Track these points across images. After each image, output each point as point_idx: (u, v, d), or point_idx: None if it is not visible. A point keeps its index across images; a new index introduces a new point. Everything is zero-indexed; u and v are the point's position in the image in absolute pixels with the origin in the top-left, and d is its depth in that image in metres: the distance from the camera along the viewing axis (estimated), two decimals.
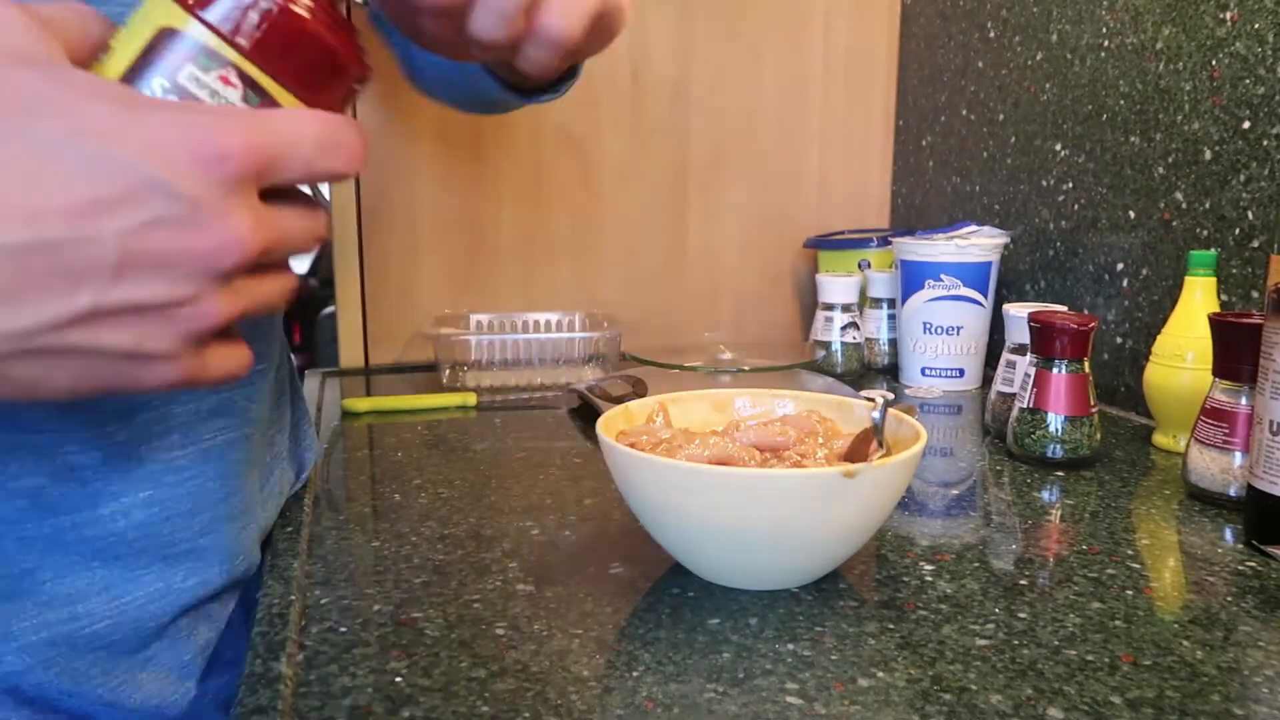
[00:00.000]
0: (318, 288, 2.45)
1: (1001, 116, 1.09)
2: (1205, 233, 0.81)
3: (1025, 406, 0.72)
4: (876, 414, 0.50)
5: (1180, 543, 0.58)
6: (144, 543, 0.48)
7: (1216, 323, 0.63)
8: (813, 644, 0.44)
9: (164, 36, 0.33)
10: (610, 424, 0.55)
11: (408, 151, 1.16)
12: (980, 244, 0.98)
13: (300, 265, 2.45)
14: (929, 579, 0.52)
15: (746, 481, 0.45)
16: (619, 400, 0.84)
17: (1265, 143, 0.75)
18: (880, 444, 0.50)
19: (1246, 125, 0.77)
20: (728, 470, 0.46)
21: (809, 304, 1.31)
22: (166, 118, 0.30)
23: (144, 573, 0.48)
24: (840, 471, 0.45)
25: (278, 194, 0.34)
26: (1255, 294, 0.77)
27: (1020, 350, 0.81)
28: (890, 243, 1.06)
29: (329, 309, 2.04)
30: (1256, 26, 0.75)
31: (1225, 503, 0.63)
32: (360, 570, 0.52)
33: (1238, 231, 0.78)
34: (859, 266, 1.19)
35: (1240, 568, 0.53)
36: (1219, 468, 0.62)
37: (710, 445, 0.52)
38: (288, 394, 0.64)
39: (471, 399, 0.93)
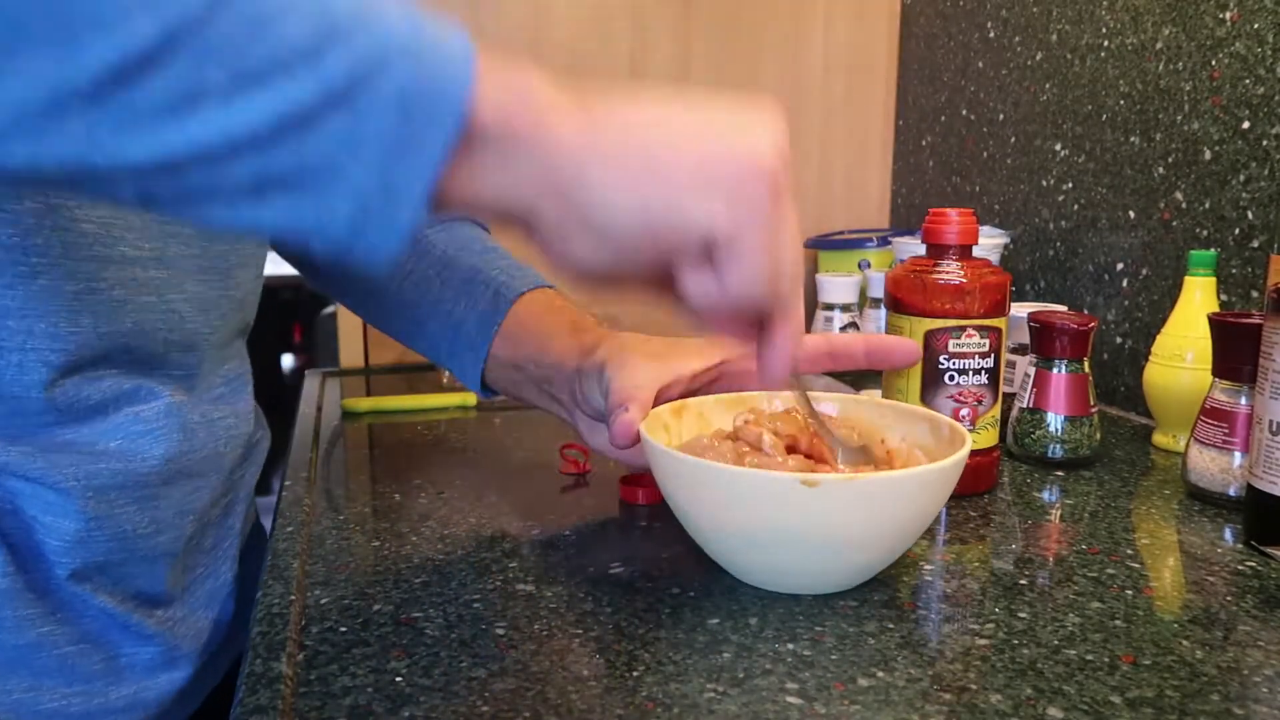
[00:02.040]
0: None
1: (1001, 116, 1.09)
2: (1205, 233, 0.82)
3: (1025, 406, 0.72)
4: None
5: (1180, 543, 0.58)
6: None
7: (1216, 323, 0.63)
8: (813, 644, 0.44)
9: None
10: (652, 428, 0.53)
11: None
12: (980, 244, 0.98)
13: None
14: (929, 579, 0.52)
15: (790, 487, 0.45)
16: None
17: (1265, 143, 0.75)
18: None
19: (1246, 125, 0.77)
20: (775, 475, 0.45)
21: (809, 304, 1.31)
22: None
23: None
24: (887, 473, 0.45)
25: None
26: (1255, 294, 0.77)
27: (1020, 350, 0.81)
28: (890, 243, 1.06)
29: (329, 309, 2.04)
30: (1256, 26, 0.75)
31: (1225, 503, 0.63)
32: (360, 570, 0.52)
33: (1238, 231, 0.78)
34: (859, 266, 1.19)
35: (1240, 568, 0.53)
36: (1219, 468, 0.62)
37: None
38: None
39: (471, 399, 0.93)
